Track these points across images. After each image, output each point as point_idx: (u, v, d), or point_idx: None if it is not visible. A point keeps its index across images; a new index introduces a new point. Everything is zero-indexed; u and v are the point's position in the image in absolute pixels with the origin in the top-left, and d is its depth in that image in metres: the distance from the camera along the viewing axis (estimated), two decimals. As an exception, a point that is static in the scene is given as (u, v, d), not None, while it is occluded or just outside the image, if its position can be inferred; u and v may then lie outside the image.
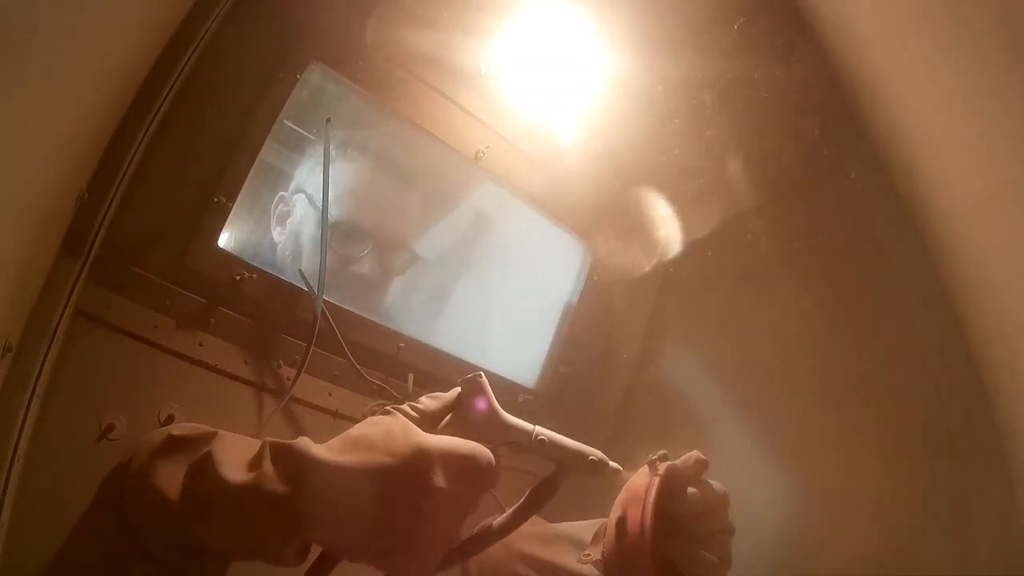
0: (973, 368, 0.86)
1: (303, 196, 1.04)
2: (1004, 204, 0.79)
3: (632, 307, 1.27)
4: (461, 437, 0.58)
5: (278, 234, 1.05)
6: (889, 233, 0.96)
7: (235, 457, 0.56)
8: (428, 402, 0.64)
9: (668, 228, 1.17)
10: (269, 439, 0.56)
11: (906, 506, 0.87)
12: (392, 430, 0.57)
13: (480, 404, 0.63)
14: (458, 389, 0.65)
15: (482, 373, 0.63)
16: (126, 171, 0.74)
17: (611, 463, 0.65)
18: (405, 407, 0.63)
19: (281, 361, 0.91)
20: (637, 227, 1.20)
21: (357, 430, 0.57)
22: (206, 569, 0.58)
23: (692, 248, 1.16)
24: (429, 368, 1.05)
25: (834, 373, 0.98)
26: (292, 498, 0.51)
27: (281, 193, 1.05)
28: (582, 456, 0.64)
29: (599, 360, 1.25)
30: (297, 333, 0.92)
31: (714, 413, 1.08)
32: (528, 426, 0.63)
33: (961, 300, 0.89)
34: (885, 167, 0.93)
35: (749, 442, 1.02)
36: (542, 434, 0.63)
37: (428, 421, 0.62)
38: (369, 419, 0.59)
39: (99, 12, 0.59)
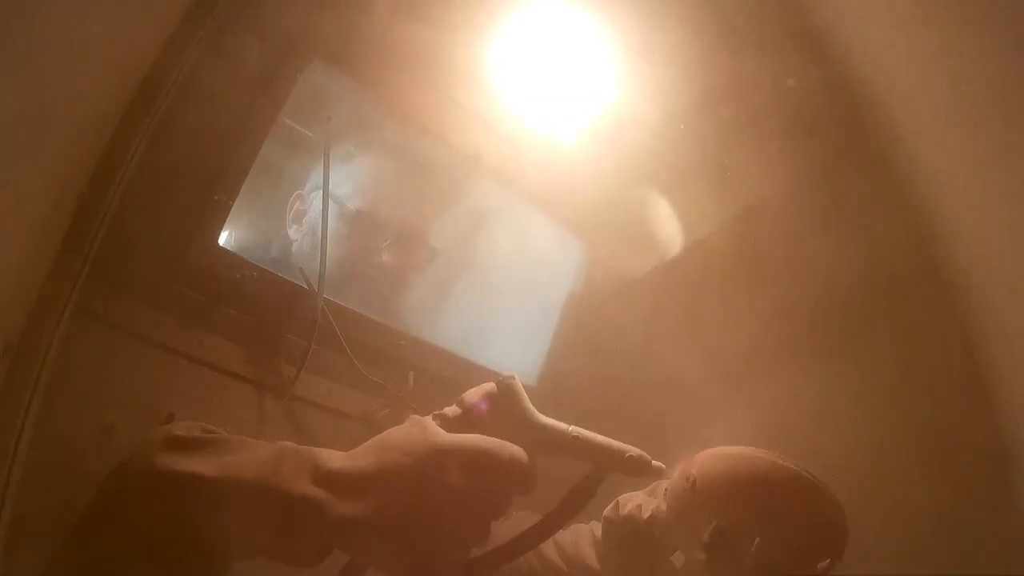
0: (974, 368, 0.87)
1: (320, 194, 1.04)
2: (1007, 205, 0.79)
3: (632, 307, 1.27)
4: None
5: (294, 232, 1.05)
6: (889, 233, 0.96)
7: (244, 458, 0.56)
8: (454, 408, 0.63)
9: (668, 228, 1.17)
10: (285, 442, 0.56)
11: (906, 506, 0.87)
12: (412, 431, 0.56)
13: (511, 406, 0.60)
14: (480, 391, 0.63)
15: (515, 375, 0.61)
16: (126, 171, 0.74)
17: (653, 461, 0.61)
18: (428, 416, 0.61)
19: (282, 359, 0.91)
20: (637, 227, 1.20)
21: (380, 435, 0.57)
22: (207, 569, 0.58)
23: (692, 248, 1.16)
24: (430, 366, 1.05)
25: (835, 373, 0.98)
26: (308, 501, 0.51)
27: (298, 192, 1.06)
28: (620, 454, 0.60)
29: (599, 359, 1.24)
30: (298, 331, 0.93)
31: (715, 413, 1.08)
32: (562, 425, 0.60)
33: (961, 299, 0.89)
34: (886, 169, 0.93)
35: (751, 441, 1.02)
36: (577, 432, 0.60)
37: (455, 426, 0.60)
38: (397, 426, 0.58)
39: (99, 12, 0.59)
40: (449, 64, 1.04)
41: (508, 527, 0.61)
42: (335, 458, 0.54)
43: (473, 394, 0.60)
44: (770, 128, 0.99)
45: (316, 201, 1.04)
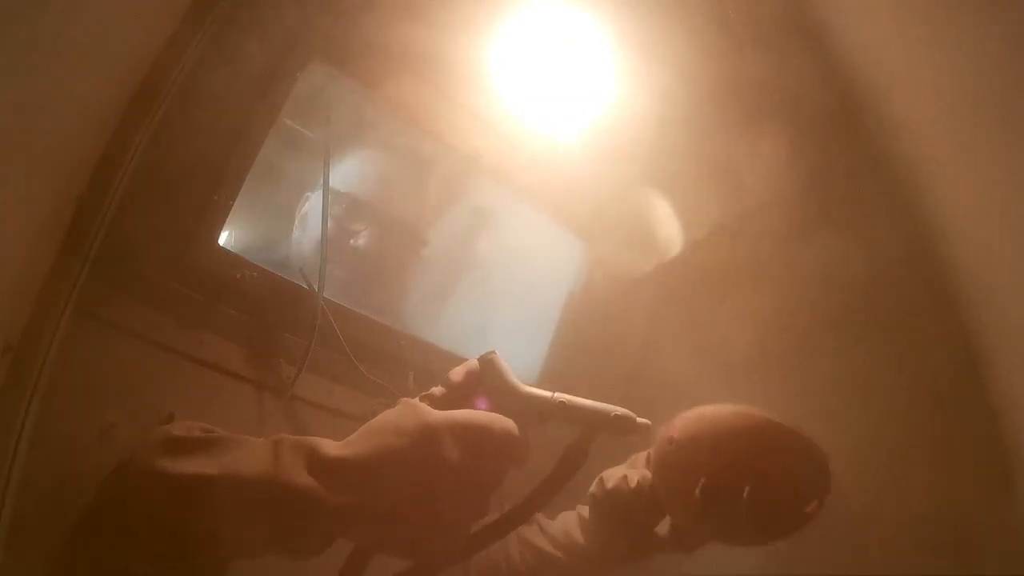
0: (974, 368, 0.86)
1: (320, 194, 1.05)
2: (1008, 204, 0.79)
3: (632, 307, 1.27)
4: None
5: (298, 232, 1.06)
6: (890, 233, 0.96)
7: (243, 455, 0.56)
8: (441, 388, 0.63)
9: (668, 228, 1.17)
10: (281, 435, 0.56)
11: (906, 506, 0.87)
12: (403, 412, 0.56)
13: (494, 380, 0.61)
14: (463, 369, 0.64)
15: (495, 350, 0.62)
16: (126, 171, 0.74)
17: (639, 418, 0.62)
18: (417, 397, 0.62)
19: (282, 359, 0.91)
20: (637, 227, 1.20)
21: (373, 420, 0.57)
22: (207, 569, 0.58)
23: (692, 248, 1.16)
24: (429, 366, 1.05)
25: (834, 373, 0.98)
26: (308, 491, 0.51)
27: (307, 193, 1.06)
28: (606, 414, 0.61)
29: (599, 359, 1.25)
30: (298, 331, 0.93)
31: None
32: (546, 393, 0.62)
33: (962, 299, 0.89)
34: (887, 168, 0.93)
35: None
36: (562, 397, 0.61)
37: (444, 405, 0.61)
38: (388, 410, 0.59)
39: (99, 12, 0.59)
40: (449, 64, 1.04)
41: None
42: (331, 447, 0.54)
43: (458, 372, 0.62)
44: (770, 127, 0.99)
45: (317, 201, 1.04)
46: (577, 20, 1.04)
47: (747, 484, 0.66)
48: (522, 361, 1.19)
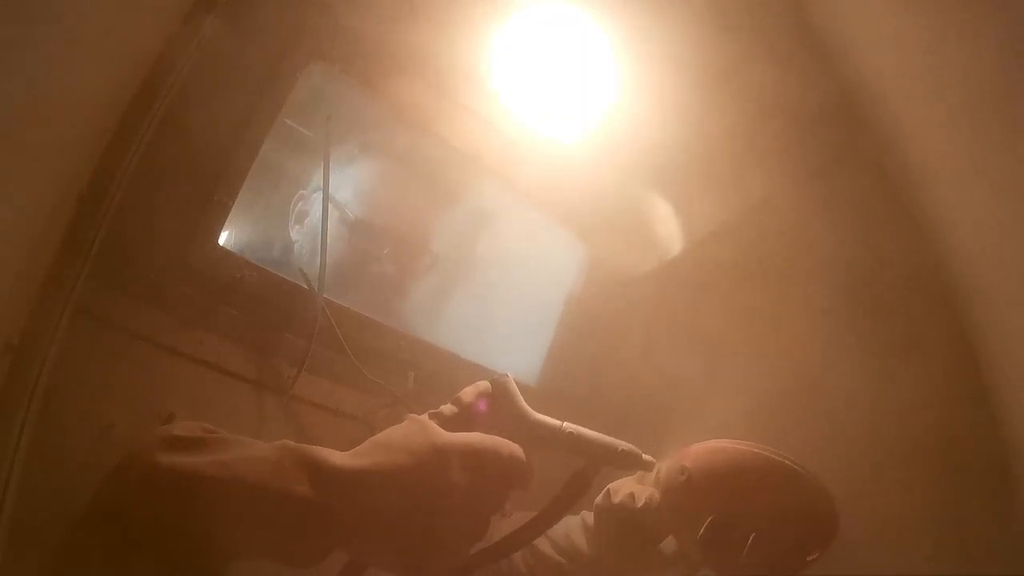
0: (975, 367, 0.87)
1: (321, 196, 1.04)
2: (1008, 202, 0.79)
3: (632, 306, 1.27)
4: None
5: (296, 232, 1.06)
6: (890, 232, 0.96)
7: (244, 459, 0.56)
8: (451, 407, 0.63)
9: (669, 228, 1.17)
10: (285, 442, 0.56)
11: (906, 506, 0.87)
12: (412, 429, 0.56)
13: (505, 404, 0.61)
14: (475, 390, 0.64)
15: (508, 374, 0.62)
16: (126, 171, 0.74)
17: (644, 455, 0.63)
18: (425, 414, 0.62)
19: (282, 360, 0.91)
20: (637, 226, 1.20)
21: (380, 434, 0.57)
22: (207, 569, 0.58)
23: (692, 247, 1.16)
24: (430, 366, 1.05)
25: (834, 372, 0.98)
26: (309, 501, 0.51)
27: (300, 192, 1.06)
28: (612, 448, 0.62)
29: (599, 359, 1.25)
30: (298, 331, 0.93)
31: (715, 412, 1.08)
32: (555, 422, 0.62)
33: (962, 298, 0.89)
34: (887, 167, 0.93)
35: (751, 440, 1.02)
36: (570, 428, 0.62)
37: (452, 425, 0.61)
38: (396, 425, 0.59)
39: (100, 13, 0.59)
40: (449, 64, 1.04)
41: (506, 527, 0.62)
42: (335, 457, 0.54)
43: (469, 392, 0.62)
44: (770, 127, 0.99)
45: (317, 202, 1.04)
46: (578, 20, 1.03)
47: (753, 530, 0.66)
48: (522, 361, 1.19)
